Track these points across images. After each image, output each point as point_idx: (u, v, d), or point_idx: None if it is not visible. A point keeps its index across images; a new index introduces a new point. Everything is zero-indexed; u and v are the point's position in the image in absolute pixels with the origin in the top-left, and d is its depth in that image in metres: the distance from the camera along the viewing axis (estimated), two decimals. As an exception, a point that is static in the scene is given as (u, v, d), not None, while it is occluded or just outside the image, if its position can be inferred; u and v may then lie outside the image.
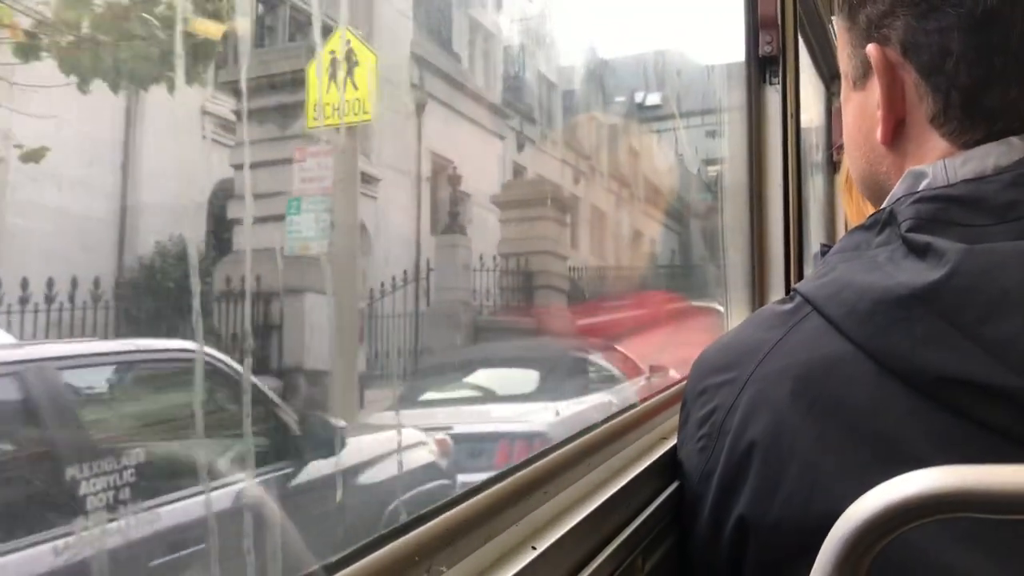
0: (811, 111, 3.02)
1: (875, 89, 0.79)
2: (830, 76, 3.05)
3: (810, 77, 2.85)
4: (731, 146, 1.92)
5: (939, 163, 0.73)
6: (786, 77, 1.82)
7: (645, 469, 0.88)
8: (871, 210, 0.81)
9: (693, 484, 0.80)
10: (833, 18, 0.87)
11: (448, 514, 0.62)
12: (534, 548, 0.65)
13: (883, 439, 0.66)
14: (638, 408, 1.06)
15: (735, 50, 1.85)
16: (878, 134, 0.79)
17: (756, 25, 1.80)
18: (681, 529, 0.86)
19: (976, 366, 0.62)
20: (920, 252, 0.67)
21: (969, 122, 0.74)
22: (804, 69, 2.19)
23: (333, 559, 0.54)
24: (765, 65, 1.83)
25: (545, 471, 0.76)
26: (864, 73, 0.81)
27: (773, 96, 1.83)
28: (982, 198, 0.68)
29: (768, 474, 0.70)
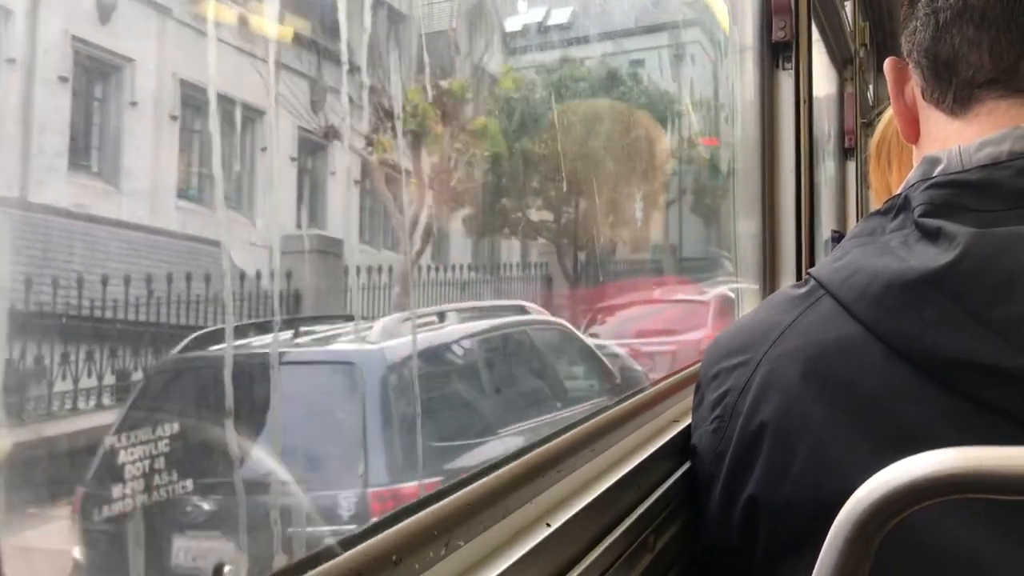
0: (823, 96, 3.01)
1: None
2: (843, 61, 3.03)
3: (823, 62, 2.83)
4: (743, 130, 1.92)
5: (954, 148, 0.74)
6: (799, 62, 1.82)
7: (656, 451, 0.90)
8: (896, 179, 0.82)
9: (706, 465, 0.81)
10: None
11: (465, 490, 0.63)
12: (548, 525, 0.67)
13: (892, 420, 0.67)
14: (648, 391, 1.07)
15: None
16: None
17: (770, 10, 1.80)
18: (693, 510, 0.87)
19: (984, 348, 0.63)
20: (932, 236, 0.68)
21: (938, 82, 0.77)
22: (817, 54, 2.18)
23: (353, 532, 0.55)
24: (778, 50, 1.83)
25: (557, 451, 0.77)
26: None
27: (786, 81, 1.83)
28: (995, 184, 0.69)
29: (779, 454, 0.71)
